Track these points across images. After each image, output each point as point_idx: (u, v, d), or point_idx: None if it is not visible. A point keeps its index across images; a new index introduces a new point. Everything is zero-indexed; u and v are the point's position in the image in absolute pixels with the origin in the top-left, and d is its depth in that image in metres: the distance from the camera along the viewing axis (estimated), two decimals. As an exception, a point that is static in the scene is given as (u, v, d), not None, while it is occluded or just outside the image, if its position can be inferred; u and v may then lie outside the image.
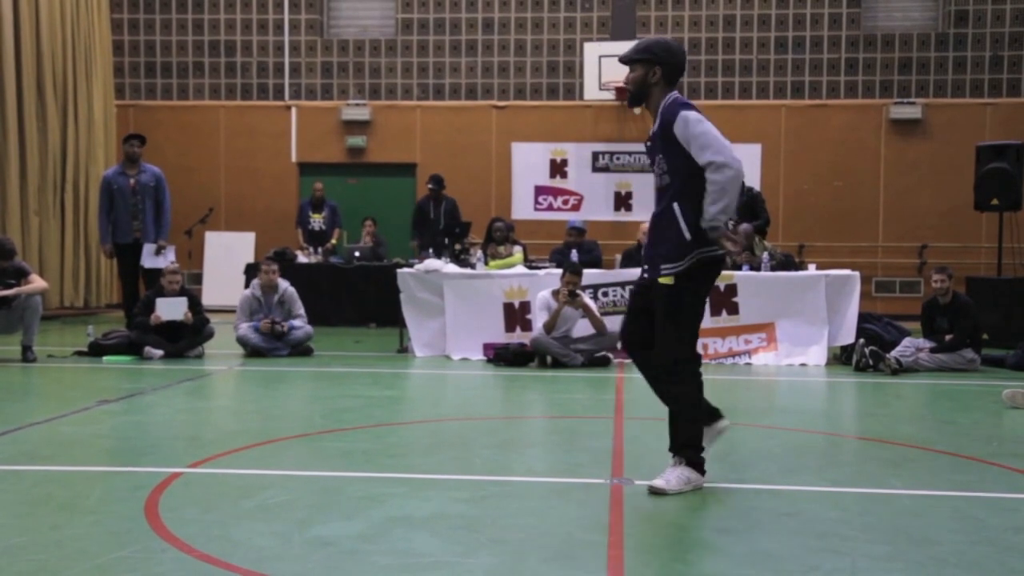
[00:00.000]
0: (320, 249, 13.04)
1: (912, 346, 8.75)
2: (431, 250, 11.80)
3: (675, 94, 4.20)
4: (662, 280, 4.10)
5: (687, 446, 4.20)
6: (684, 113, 4.05)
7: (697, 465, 4.20)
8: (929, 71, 14.73)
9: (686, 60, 4.41)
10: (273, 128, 15.40)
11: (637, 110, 14.80)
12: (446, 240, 11.27)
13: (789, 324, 9.10)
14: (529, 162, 15.04)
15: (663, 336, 4.16)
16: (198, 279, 14.54)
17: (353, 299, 12.30)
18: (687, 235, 4.06)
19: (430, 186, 12.62)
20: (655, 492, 4.08)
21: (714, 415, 4.40)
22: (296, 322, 9.30)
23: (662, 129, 4.13)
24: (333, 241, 13.43)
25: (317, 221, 13.54)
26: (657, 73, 4.18)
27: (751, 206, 9.95)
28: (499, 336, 9.27)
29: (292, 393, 7.40)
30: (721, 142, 4.00)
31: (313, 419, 5.99)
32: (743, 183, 3.93)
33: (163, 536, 3.40)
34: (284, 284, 9.44)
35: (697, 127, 4.01)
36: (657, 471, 4.56)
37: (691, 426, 4.21)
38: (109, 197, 9.89)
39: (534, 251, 12.38)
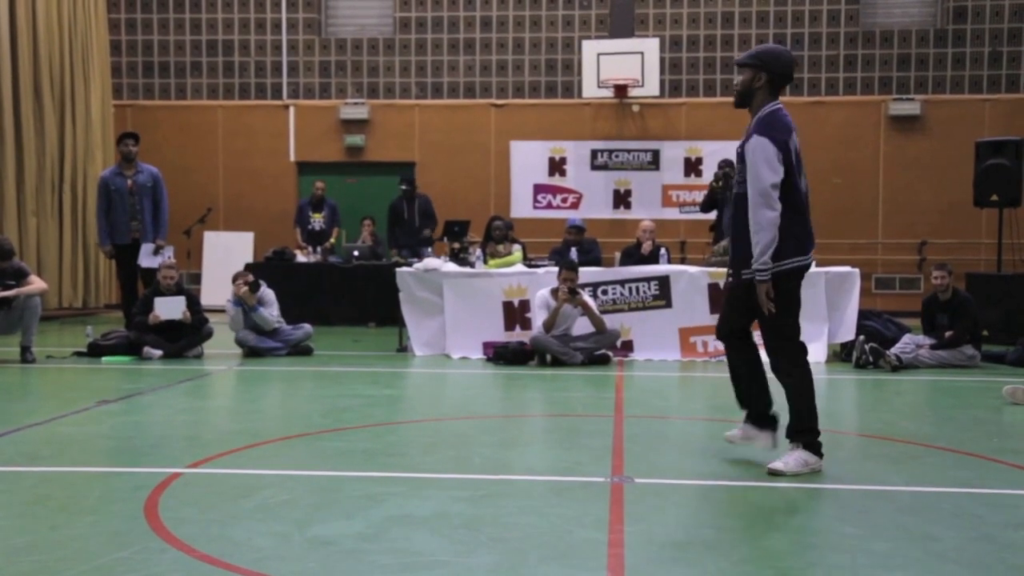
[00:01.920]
0: (319, 248, 13.04)
1: (912, 343, 8.74)
2: (406, 251, 11.96)
3: (771, 107, 4.34)
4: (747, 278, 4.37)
5: (799, 431, 4.41)
6: (756, 138, 4.25)
7: (814, 448, 4.40)
8: (928, 67, 14.72)
9: (793, 70, 4.53)
10: (271, 127, 15.39)
11: (635, 107, 14.85)
12: (444, 238, 11.26)
13: (789, 321, 9.07)
14: (528, 160, 15.04)
15: (764, 324, 4.39)
16: (197, 279, 14.53)
17: (352, 298, 12.30)
18: None
19: (404, 187, 12.75)
20: (773, 473, 4.31)
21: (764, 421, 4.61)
22: (274, 311, 9.25)
23: (747, 140, 4.32)
24: (332, 240, 13.42)
25: (317, 221, 13.51)
26: (761, 79, 4.36)
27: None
28: (498, 335, 9.26)
29: (291, 393, 7.39)
30: (763, 184, 4.16)
31: (312, 418, 5.98)
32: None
33: (163, 536, 3.39)
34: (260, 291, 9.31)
35: (754, 157, 4.21)
36: (657, 469, 4.57)
37: (800, 411, 4.39)
38: (107, 198, 9.86)
39: (533, 250, 12.36)
